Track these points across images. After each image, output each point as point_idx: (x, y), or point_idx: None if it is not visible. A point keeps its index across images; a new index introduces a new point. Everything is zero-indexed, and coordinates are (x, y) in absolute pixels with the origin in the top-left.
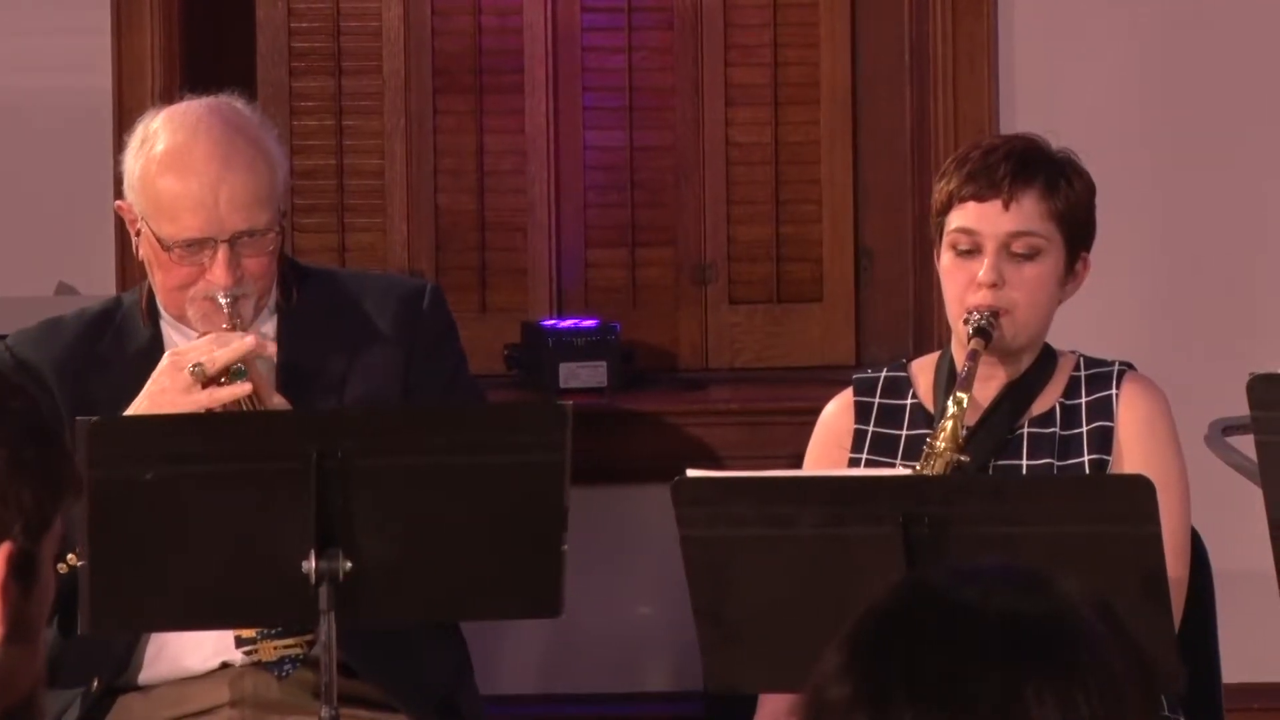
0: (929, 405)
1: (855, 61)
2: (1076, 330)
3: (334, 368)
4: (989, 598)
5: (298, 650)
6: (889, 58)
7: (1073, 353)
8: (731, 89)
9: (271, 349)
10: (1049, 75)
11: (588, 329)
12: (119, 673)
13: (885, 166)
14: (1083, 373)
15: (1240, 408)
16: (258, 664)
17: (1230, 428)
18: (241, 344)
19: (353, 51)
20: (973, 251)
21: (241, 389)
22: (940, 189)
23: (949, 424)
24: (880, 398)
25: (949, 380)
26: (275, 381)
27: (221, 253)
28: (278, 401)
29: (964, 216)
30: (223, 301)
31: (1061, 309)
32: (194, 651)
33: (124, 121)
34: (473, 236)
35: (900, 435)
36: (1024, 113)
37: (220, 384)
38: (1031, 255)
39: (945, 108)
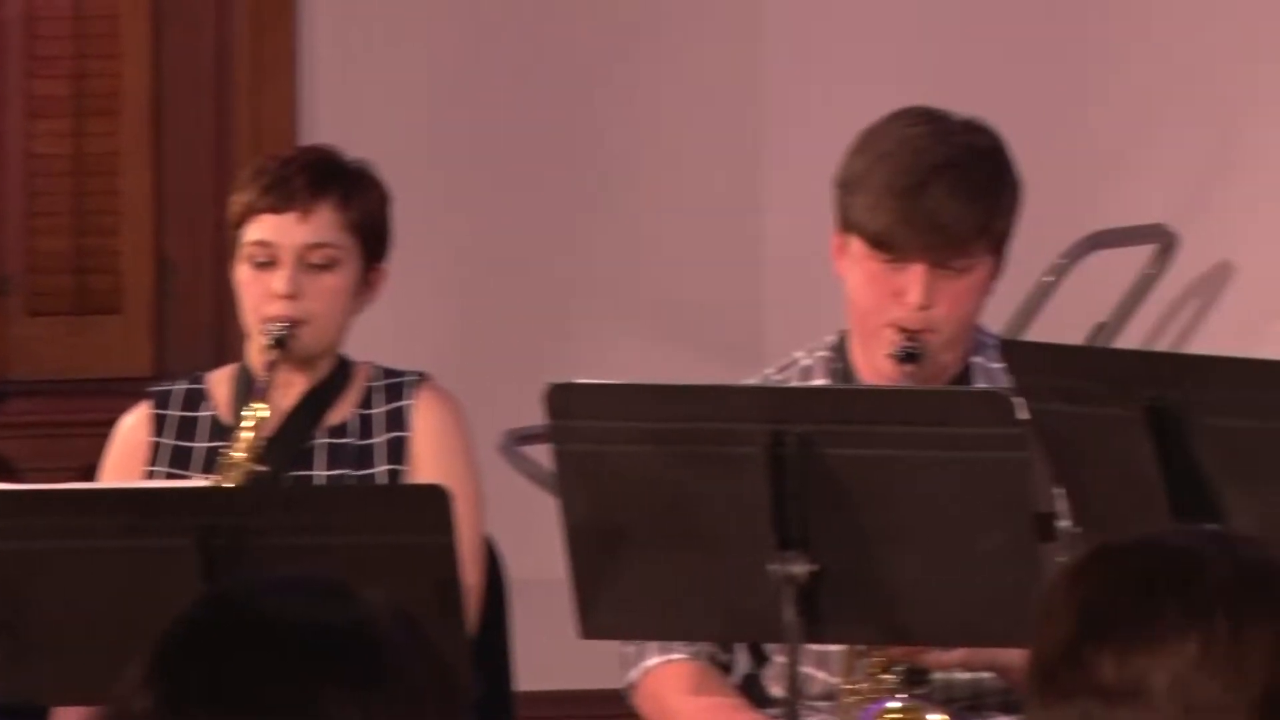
0: (227, 417)
1: (158, 71)
2: (375, 340)
3: None
4: (287, 608)
5: None
6: (191, 67)
7: (369, 363)
8: (32, 100)
9: None
10: (350, 86)
11: None
12: None
13: (188, 177)
14: (378, 383)
15: (537, 417)
16: None
17: (524, 437)
18: None
19: None
20: (270, 263)
21: None
22: (236, 201)
23: (246, 435)
24: (177, 409)
25: (247, 391)
26: None
27: None
28: None
29: (261, 229)
30: None
31: (360, 319)
32: None
33: None
34: None
35: (198, 448)
36: (325, 123)
37: None
38: (328, 266)
39: (247, 117)
